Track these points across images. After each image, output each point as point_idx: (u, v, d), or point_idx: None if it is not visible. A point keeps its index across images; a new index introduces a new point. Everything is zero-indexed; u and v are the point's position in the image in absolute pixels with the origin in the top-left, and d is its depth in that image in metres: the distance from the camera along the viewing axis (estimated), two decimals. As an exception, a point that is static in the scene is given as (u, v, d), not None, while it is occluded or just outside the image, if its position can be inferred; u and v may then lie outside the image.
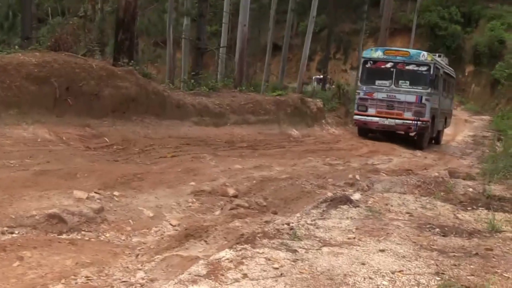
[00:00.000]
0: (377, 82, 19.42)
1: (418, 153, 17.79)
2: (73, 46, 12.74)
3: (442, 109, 21.77)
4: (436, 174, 11.57)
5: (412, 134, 19.81)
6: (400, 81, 19.14)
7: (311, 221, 5.65)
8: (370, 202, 6.78)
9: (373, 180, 9.51)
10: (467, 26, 51.71)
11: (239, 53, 20.52)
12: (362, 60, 20.47)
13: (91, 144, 10.37)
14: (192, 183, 8.26)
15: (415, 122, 18.90)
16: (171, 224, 6.31)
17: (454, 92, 27.45)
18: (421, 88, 18.85)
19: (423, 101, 18.89)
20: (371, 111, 19.44)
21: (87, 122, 11.17)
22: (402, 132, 19.96)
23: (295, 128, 18.76)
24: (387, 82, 19.22)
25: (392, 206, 6.68)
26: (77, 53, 12.51)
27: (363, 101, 19.69)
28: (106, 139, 10.93)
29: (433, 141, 21.68)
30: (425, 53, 19.55)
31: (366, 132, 20.54)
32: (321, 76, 39.28)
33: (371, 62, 19.76)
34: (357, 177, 10.45)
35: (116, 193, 7.00)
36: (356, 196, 7.17)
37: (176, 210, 6.93)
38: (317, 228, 5.38)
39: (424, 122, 18.98)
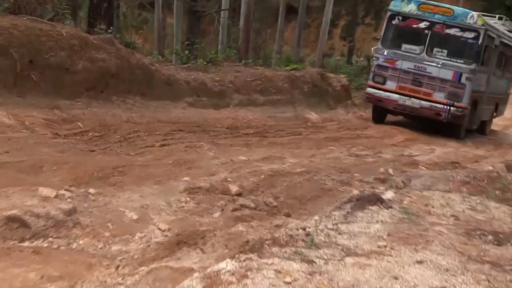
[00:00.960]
0: (404, 46, 18.13)
1: (468, 142, 17.78)
2: (37, 8, 12.75)
3: (491, 93, 20.20)
4: (490, 168, 11.54)
5: (444, 121, 18.05)
6: (435, 49, 17.75)
7: (332, 225, 5.67)
8: (405, 202, 6.79)
9: (410, 175, 9.51)
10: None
11: (245, 18, 20.54)
12: (388, 14, 18.79)
13: (61, 131, 10.40)
14: (186, 178, 8.28)
15: (447, 107, 17.55)
16: (159, 229, 6.33)
17: None
18: (462, 62, 17.42)
19: (463, 80, 17.41)
20: (391, 85, 18.26)
21: (55, 103, 11.21)
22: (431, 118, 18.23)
23: (314, 110, 18.79)
24: (417, 48, 17.90)
25: (433, 207, 6.69)
26: (42, 17, 12.52)
27: (382, 70, 18.47)
28: (80, 124, 10.97)
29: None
30: (475, 14, 17.72)
31: (383, 113, 19.39)
32: None
33: (400, 18, 18.27)
34: (390, 171, 10.45)
35: (91, 190, 7.03)
36: (389, 194, 7.18)
37: (165, 211, 6.96)
38: (339, 234, 5.40)
39: (460, 109, 17.59)
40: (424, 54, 17.83)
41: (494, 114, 22.26)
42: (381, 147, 14.14)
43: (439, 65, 17.60)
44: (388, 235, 5.41)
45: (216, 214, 7.07)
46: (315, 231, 5.41)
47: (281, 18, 32.17)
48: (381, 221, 5.90)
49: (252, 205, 7.48)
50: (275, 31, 33.76)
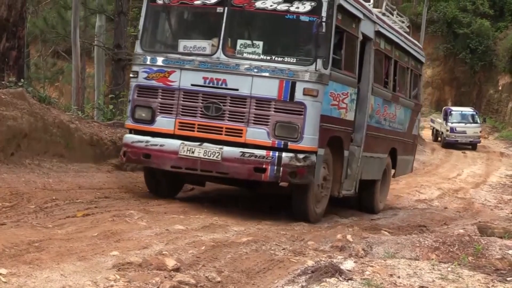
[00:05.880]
0: (183, 44, 11.78)
1: (435, 201, 18.05)
2: None
3: (376, 129, 14.18)
4: (461, 231, 11.76)
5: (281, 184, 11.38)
6: (241, 42, 11.51)
7: (286, 301, 5.72)
8: (367, 272, 6.88)
9: (372, 242, 9.64)
10: (499, 21, 52.60)
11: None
12: None
13: (-36, 202, 10.29)
14: (115, 252, 8.25)
15: (275, 154, 10.93)
16: (85, 314, 6.31)
17: (421, 94, 19.37)
18: (294, 61, 11.22)
19: (299, 95, 10.96)
20: (164, 122, 11.68)
21: (-44, 169, 11.11)
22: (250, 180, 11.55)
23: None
24: (206, 45, 11.56)
25: (399, 277, 6.80)
26: None
27: (146, 96, 11.87)
28: (-14, 193, 10.86)
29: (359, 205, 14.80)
30: None
31: (170, 180, 12.94)
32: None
33: None
34: (349, 237, 10.56)
35: (2, 271, 6.94)
36: (348, 264, 7.27)
37: (92, 292, 6.93)
38: (293, 311, 5.45)
39: (301, 155, 10.95)
40: (220, 53, 11.39)
41: (394, 169, 16.28)
42: (337, 209, 14.26)
43: (252, 72, 11.20)
44: (349, 310, 5.49)
45: (151, 294, 7.07)
46: (265, 308, 5.46)
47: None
48: (341, 295, 5.97)
49: (192, 281, 7.49)
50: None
